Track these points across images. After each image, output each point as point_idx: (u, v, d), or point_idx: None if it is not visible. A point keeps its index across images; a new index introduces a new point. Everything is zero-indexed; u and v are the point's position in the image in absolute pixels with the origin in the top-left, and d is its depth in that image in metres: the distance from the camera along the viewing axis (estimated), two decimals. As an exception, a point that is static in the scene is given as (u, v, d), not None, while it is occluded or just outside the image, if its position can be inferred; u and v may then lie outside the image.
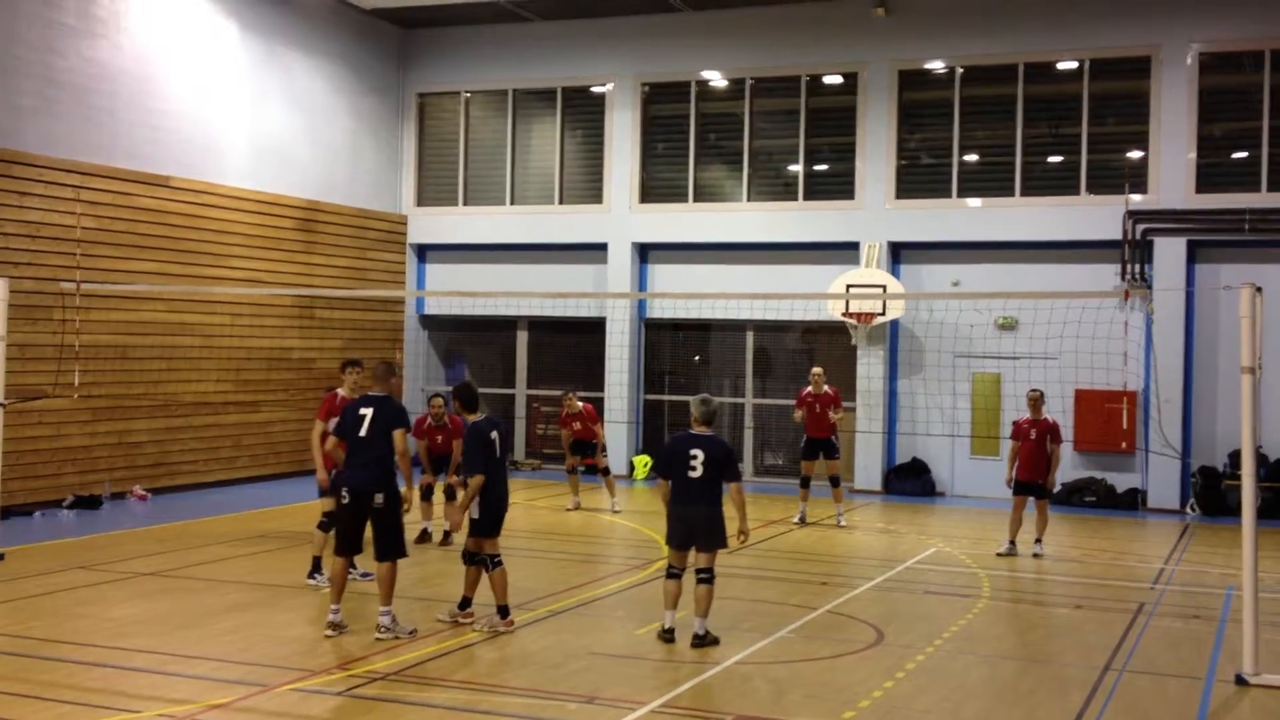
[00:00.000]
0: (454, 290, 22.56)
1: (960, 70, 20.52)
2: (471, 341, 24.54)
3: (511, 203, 23.28)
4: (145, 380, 18.30)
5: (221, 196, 19.56)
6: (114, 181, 17.74)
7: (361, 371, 12.11)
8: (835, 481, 16.90)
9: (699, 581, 10.01)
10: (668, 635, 10.04)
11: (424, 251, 23.95)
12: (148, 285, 17.84)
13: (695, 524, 10.05)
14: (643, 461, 21.89)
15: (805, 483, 17.05)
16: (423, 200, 23.88)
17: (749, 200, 21.78)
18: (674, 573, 10.17)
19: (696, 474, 10.04)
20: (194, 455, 19.02)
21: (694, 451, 10.07)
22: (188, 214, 18.92)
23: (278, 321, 20.60)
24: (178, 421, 18.73)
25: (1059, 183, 20.15)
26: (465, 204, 23.61)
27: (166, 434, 18.61)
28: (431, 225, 23.66)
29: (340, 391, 12.09)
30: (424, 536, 14.47)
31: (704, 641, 9.91)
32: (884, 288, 19.85)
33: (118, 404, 17.82)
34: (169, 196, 18.61)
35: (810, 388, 16.93)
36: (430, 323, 24.10)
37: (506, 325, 23.60)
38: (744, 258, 21.60)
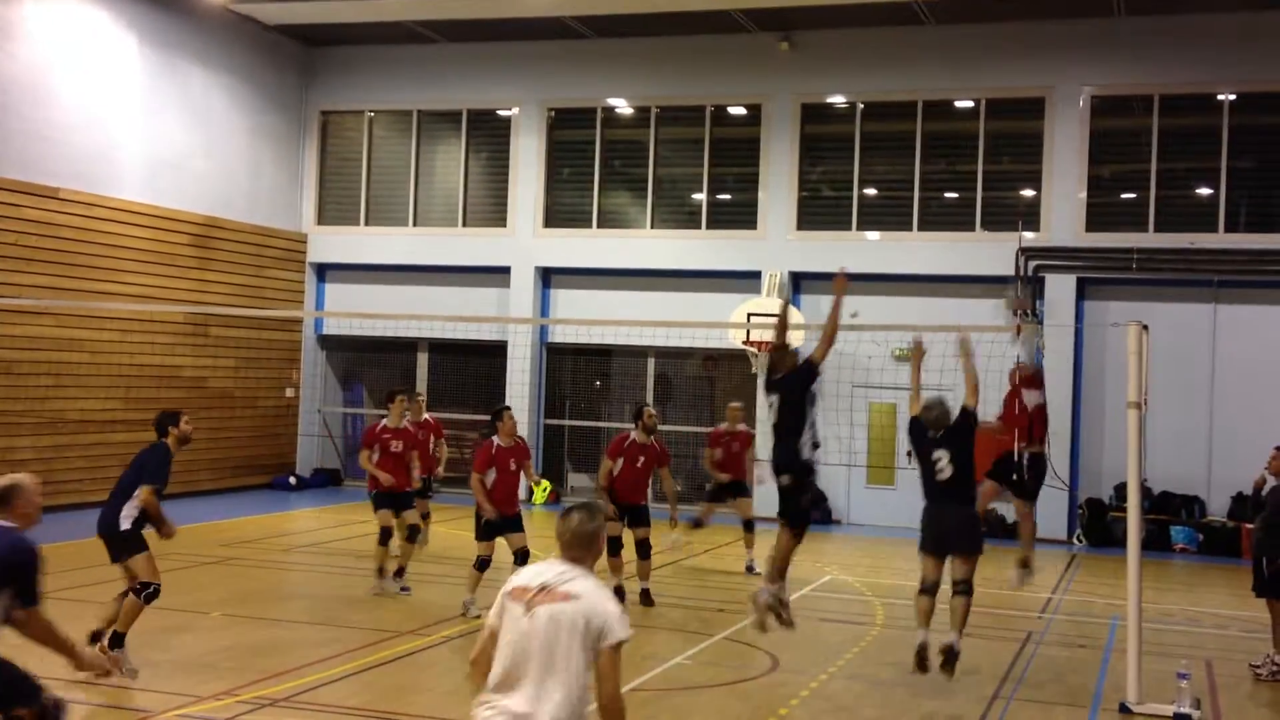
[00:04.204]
0: (354, 311, 22.30)
1: (861, 106, 20.88)
2: (371, 363, 24.28)
3: (414, 224, 23.11)
4: (31, 396, 17.79)
5: (114, 210, 19.13)
6: (2, 192, 17.26)
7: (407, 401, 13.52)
8: (750, 526, 15.43)
9: (958, 593, 9.63)
10: (925, 655, 9.51)
11: (324, 271, 23.66)
12: (35, 300, 17.36)
13: (948, 525, 9.69)
14: (542, 487, 21.78)
15: (749, 526, 15.41)
16: (323, 219, 23.60)
17: (653, 227, 21.89)
18: (927, 587, 9.71)
19: (945, 475, 9.75)
20: (80, 474, 18.49)
21: (938, 454, 9.81)
22: (78, 227, 18.47)
23: (170, 339, 20.18)
24: (64, 439, 18.22)
25: (955, 218, 20.58)
26: (367, 224, 23.38)
27: (52, 452, 18.09)
28: (332, 244, 23.38)
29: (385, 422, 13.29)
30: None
31: (956, 658, 9.50)
32: (784, 317, 20.02)
33: (0, 420, 17.29)
34: (59, 209, 18.15)
35: (725, 424, 15.57)
36: (329, 343, 23.78)
37: (407, 347, 23.38)
38: (647, 284, 21.67)
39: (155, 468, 9.52)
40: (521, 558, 11.94)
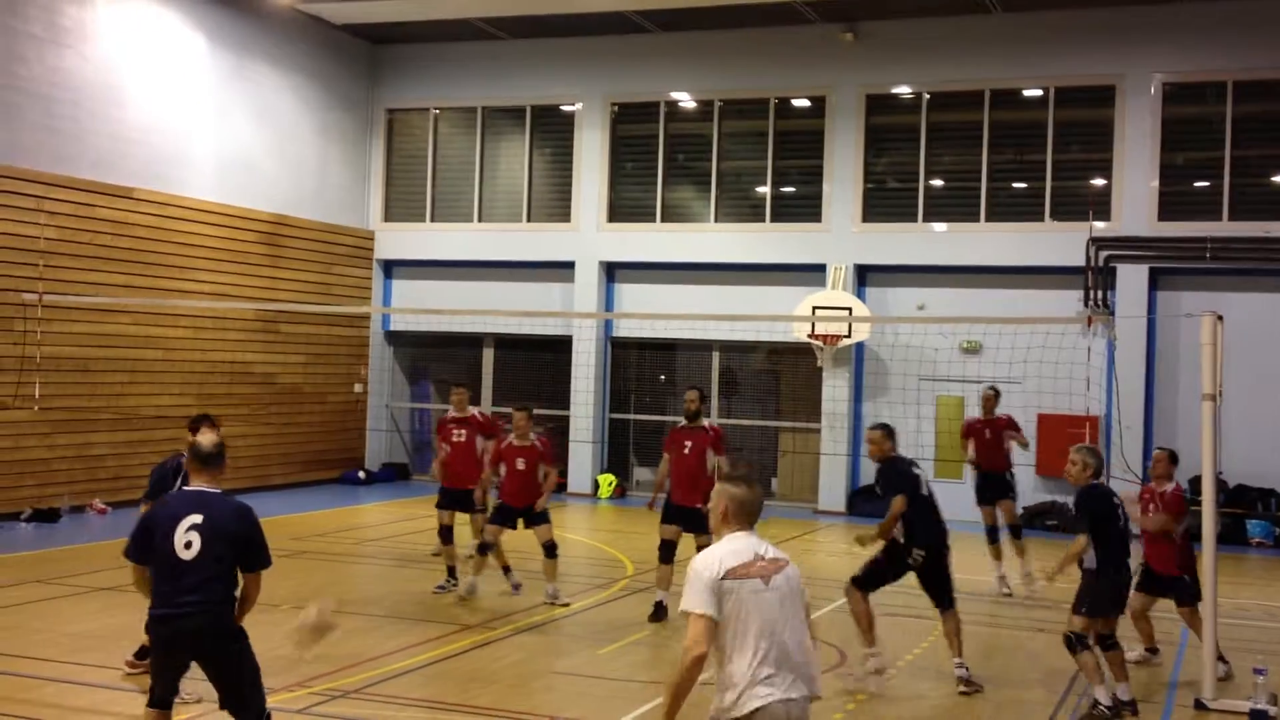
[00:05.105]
0: (420, 307, 22.49)
1: (927, 96, 20.68)
2: (437, 359, 24.46)
3: (479, 220, 23.25)
4: (107, 393, 18.13)
5: (186, 209, 19.44)
6: (77, 193, 17.60)
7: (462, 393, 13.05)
8: (1016, 531, 13.96)
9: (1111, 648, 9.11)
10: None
11: (390, 267, 23.88)
12: (110, 298, 17.69)
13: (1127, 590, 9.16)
14: (607, 480, 21.86)
15: (993, 535, 13.95)
16: (390, 216, 23.81)
17: (716, 221, 21.85)
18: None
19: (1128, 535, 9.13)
20: (154, 469, 18.81)
21: (1122, 513, 9.10)
22: (152, 226, 18.79)
23: (241, 336, 20.47)
24: (138, 435, 18.55)
25: (1024, 208, 20.33)
26: (433, 220, 23.56)
27: (127, 447, 18.42)
28: (399, 241, 23.59)
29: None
30: None
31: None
32: (850, 310, 19.94)
33: (78, 416, 17.64)
34: (133, 208, 18.48)
35: (980, 413, 14.29)
36: (396, 339, 24.01)
37: (473, 342, 23.53)
38: (711, 278, 21.65)
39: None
40: (549, 550, 12.30)
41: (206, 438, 6.83)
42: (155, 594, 6.43)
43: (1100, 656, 9.02)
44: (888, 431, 10.29)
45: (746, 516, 5.25)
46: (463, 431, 12.80)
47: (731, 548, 5.17)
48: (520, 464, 12.19)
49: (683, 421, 12.09)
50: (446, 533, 12.90)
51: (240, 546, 6.47)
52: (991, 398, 14.21)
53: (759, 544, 5.21)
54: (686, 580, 5.13)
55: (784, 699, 5.03)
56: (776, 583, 5.12)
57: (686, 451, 11.85)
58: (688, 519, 11.71)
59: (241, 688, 6.48)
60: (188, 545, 6.33)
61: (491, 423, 13.10)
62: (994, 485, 13.96)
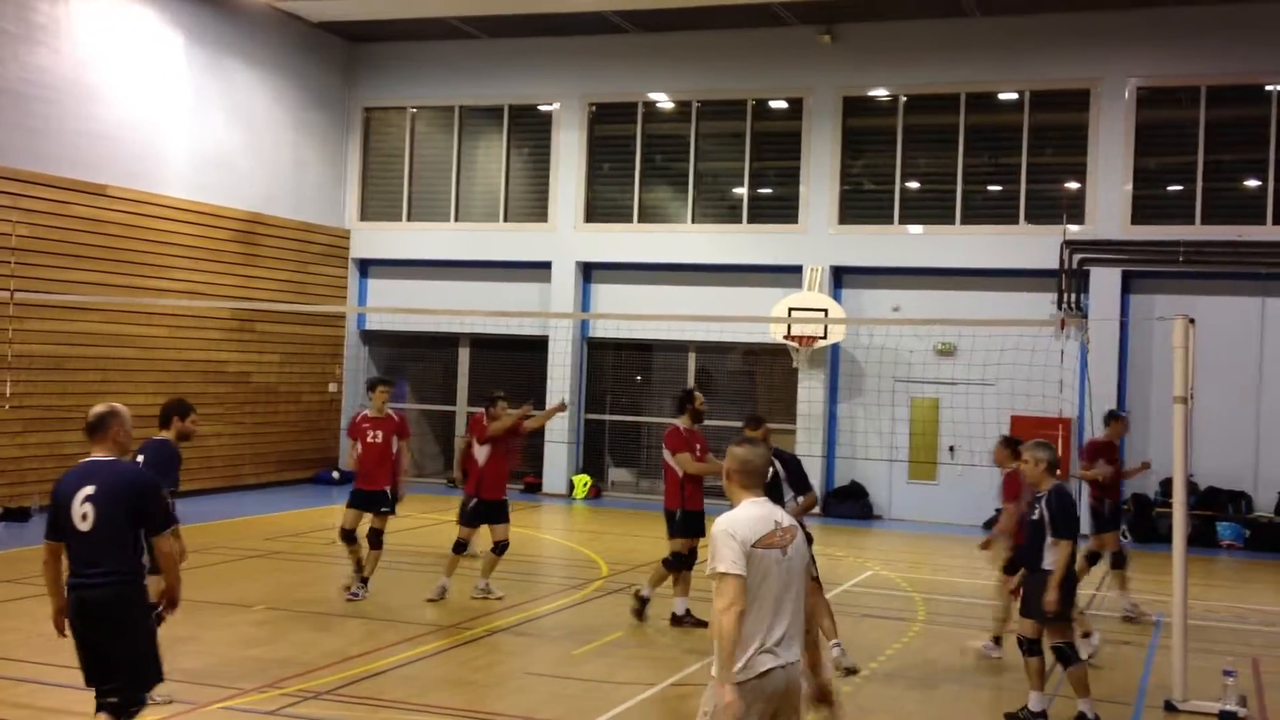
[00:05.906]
0: (396, 306, 22.42)
1: (904, 98, 20.76)
2: (413, 358, 24.40)
3: (456, 219, 23.21)
4: (80, 391, 17.98)
5: (161, 207, 19.34)
6: (51, 190, 17.49)
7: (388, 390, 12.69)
8: (1122, 561, 12.64)
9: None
10: None
11: (366, 266, 23.81)
12: (84, 296, 17.57)
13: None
14: (582, 481, 21.86)
15: (1095, 559, 12.85)
16: (366, 215, 23.75)
17: (693, 222, 21.88)
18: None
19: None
20: (127, 468, 18.70)
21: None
22: (126, 224, 18.68)
23: (216, 334, 20.37)
24: (111, 434, 18.41)
25: (998, 211, 20.44)
26: (409, 220, 23.51)
27: (99, 446, 18.29)
28: (375, 240, 23.53)
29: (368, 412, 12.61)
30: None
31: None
32: (825, 312, 20.00)
33: (50, 415, 17.53)
34: (107, 206, 18.37)
35: (1105, 434, 12.74)
36: (371, 339, 23.93)
37: (449, 342, 23.48)
38: (688, 279, 21.67)
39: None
40: (500, 549, 12.36)
41: (100, 407, 7.01)
42: (68, 568, 6.59)
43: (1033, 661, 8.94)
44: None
45: (754, 477, 5.27)
46: (378, 432, 12.38)
47: (751, 514, 5.22)
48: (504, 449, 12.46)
49: (684, 423, 11.51)
50: (349, 535, 12.39)
51: (134, 507, 6.56)
52: (1122, 420, 13.01)
53: (773, 510, 5.28)
54: (713, 542, 5.16)
55: (784, 664, 5.20)
56: (791, 551, 5.22)
57: (698, 455, 11.46)
58: (700, 522, 11.41)
59: (135, 661, 6.58)
60: (84, 517, 6.49)
61: (406, 424, 12.81)
62: (1113, 511, 12.75)
